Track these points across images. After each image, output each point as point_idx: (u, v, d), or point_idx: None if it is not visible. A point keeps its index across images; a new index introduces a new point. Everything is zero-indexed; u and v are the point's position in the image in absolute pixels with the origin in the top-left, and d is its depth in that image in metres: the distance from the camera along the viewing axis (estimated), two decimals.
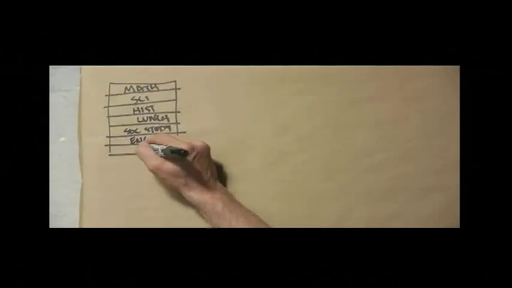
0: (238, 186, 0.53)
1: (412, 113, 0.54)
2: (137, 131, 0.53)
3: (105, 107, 0.53)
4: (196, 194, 0.48)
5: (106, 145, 0.53)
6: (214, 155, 0.52)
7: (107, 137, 0.53)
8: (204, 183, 0.49)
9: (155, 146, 0.48)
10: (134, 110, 0.53)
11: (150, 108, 0.53)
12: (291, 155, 0.53)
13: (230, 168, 0.53)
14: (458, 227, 0.52)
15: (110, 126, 0.53)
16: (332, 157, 0.53)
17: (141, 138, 0.53)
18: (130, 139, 0.53)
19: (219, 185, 0.50)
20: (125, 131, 0.53)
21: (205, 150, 0.49)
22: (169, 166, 0.47)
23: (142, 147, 0.49)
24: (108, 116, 0.53)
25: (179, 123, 0.53)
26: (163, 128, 0.53)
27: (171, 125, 0.53)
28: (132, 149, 0.53)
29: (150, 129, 0.53)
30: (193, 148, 0.47)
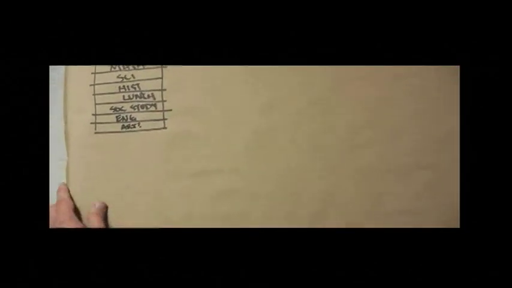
0: (224, 164, 0.52)
1: (399, 92, 0.54)
2: (123, 109, 0.53)
3: (91, 85, 0.53)
4: None
5: (92, 123, 0.53)
6: (201, 133, 0.52)
7: (93, 114, 0.53)
8: None
9: None
10: (120, 88, 0.53)
11: (136, 86, 0.53)
12: (278, 134, 0.53)
13: (216, 147, 0.53)
14: (442, 205, 0.53)
15: (95, 104, 0.53)
16: (318, 136, 0.53)
17: (126, 116, 0.53)
18: (116, 117, 0.53)
19: None
20: (110, 108, 0.53)
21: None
22: None
23: None
24: (94, 94, 0.53)
25: (165, 101, 0.53)
26: (149, 106, 0.53)
27: (157, 103, 0.53)
28: (117, 126, 0.53)
29: (136, 107, 0.53)
30: None
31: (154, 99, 0.53)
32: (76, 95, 0.53)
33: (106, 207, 0.51)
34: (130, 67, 0.53)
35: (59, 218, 0.49)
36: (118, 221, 0.52)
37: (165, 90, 0.53)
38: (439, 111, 0.53)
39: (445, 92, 0.53)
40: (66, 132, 0.53)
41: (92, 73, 0.53)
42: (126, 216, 0.52)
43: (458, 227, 0.47)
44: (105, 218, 0.51)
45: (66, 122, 0.53)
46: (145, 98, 0.53)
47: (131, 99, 0.53)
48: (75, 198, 0.52)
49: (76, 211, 0.51)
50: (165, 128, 0.53)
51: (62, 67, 0.54)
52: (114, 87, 0.53)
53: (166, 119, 0.53)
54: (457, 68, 0.49)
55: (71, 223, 0.49)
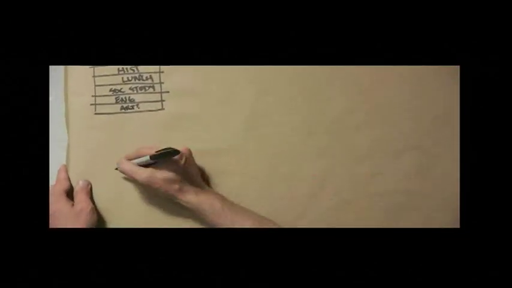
0: (220, 145, 0.54)
1: (390, 77, 0.55)
2: (122, 90, 0.54)
3: (90, 67, 0.54)
4: (192, 196, 0.49)
5: (91, 104, 0.54)
6: (198, 114, 0.54)
7: (93, 96, 0.54)
8: (197, 186, 0.50)
9: (137, 160, 0.49)
10: (119, 70, 0.54)
11: (134, 69, 0.54)
12: (273, 116, 0.55)
13: (212, 128, 0.54)
14: (433, 185, 0.54)
15: (95, 85, 0.54)
16: (312, 119, 0.55)
17: (125, 97, 0.54)
18: (115, 98, 0.54)
19: (209, 188, 0.52)
20: (110, 90, 0.54)
21: (190, 154, 0.50)
22: (162, 174, 0.48)
23: (125, 165, 0.50)
24: (94, 76, 0.54)
25: (163, 82, 0.54)
26: (147, 88, 0.54)
27: (155, 85, 0.54)
28: (116, 108, 0.54)
29: (134, 89, 0.54)
30: (182, 152, 0.48)
31: (153, 81, 0.54)
32: (76, 76, 0.54)
33: (89, 185, 0.53)
34: None
35: (51, 198, 0.50)
36: (115, 200, 0.53)
37: (162, 72, 0.54)
38: (429, 95, 0.55)
39: (436, 76, 0.54)
40: (66, 114, 0.54)
41: None
42: (124, 196, 0.53)
43: (454, 213, 0.48)
44: (88, 194, 0.52)
45: (66, 104, 0.54)
46: (143, 80, 0.54)
47: (130, 81, 0.54)
48: (75, 178, 0.53)
49: (71, 191, 0.53)
50: (162, 109, 0.54)
51: None
52: (114, 69, 0.54)
53: (164, 100, 0.54)
54: (457, 67, 0.50)
55: (57, 204, 0.50)
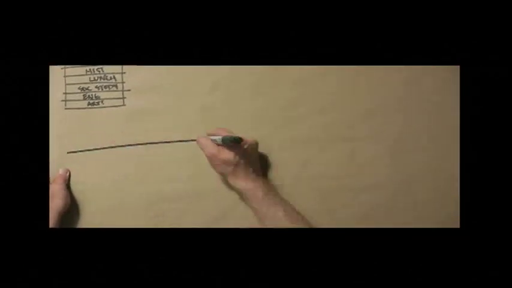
0: (174, 136, 0.61)
1: (328, 71, 0.62)
2: (89, 88, 0.62)
3: (62, 68, 0.62)
4: (240, 181, 0.56)
5: (62, 100, 0.62)
6: (155, 110, 0.61)
7: (63, 93, 0.62)
8: (248, 174, 0.56)
9: (213, 137, 0.57)
10: (87, 71, 0.62)
11: (100, 70, 0.62)
12: (221, 109, 0.62)
13: (168, 121, 0.62)
14: (362, 173, 0.61)
15: (66, 84, 0.62)
16: (258, 110, 0.62)
17: (92, 95, 0.62)
18: (83, 95, 0.62)
19: (261, 178, 0.59)
20: (78, 88, 0.62)
21: (256, 145, 0.57)
22: (224, 154, 0.55)
23: (202, 138, 0.57)
24: (65, 76, 0.62)
25: (124, 82, 0.62)
26: (111, 87, 0.62)
27: (118, 84, 0.62)
28: (84, 103, 0.62)
29: (100, 87, 0.62)
30: (246, 141, 0.55)
31: (116, 80, 0.62)
32: (49, 76, 0.62)
33: (68, 172, 0.60)
34: None
35: None
36: (83, 183, 0.61)
37: (124, 73, 0.62)
38: (361, 90, 0.62)
39: (368, 72, 0.62)
40: None
41: None
42: (91, 180, 0.61)
43: (454, 221, 0.49)
44: (66, 181, 0.59)
45: None
46: (108, 80, 0.62)
47: (96, 80, 0.62)
48: (51, 164, 0.61)
49: None
50: (124, 105, 0.62)
51: None
52: (82, 70, 0.62)
53: (125, 97, 0.62)
54: (457, 67, 0.52)
55: None
